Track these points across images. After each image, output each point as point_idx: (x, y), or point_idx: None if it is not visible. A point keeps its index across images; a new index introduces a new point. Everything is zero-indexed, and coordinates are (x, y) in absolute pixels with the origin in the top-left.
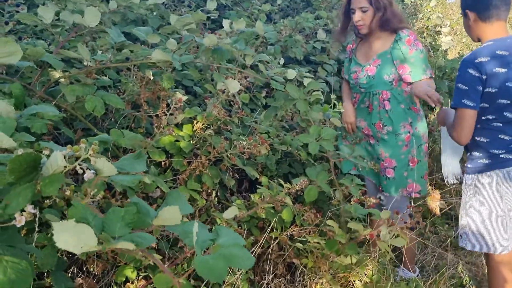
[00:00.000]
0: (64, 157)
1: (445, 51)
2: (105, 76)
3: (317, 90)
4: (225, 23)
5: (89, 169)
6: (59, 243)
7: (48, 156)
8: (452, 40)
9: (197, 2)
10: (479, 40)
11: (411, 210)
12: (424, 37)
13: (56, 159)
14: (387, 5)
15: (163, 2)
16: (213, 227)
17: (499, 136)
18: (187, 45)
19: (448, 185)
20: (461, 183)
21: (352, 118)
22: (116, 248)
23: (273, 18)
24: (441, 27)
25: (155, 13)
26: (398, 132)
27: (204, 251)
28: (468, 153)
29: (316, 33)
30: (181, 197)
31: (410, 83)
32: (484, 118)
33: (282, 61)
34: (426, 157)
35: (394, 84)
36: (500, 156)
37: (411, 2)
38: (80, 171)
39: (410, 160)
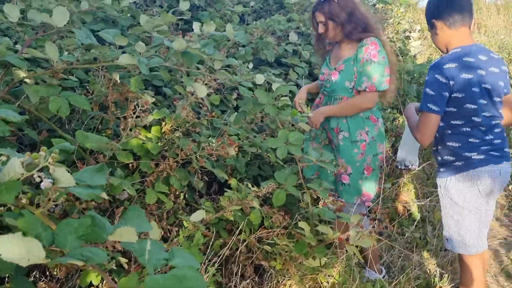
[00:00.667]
0: (22, 164)
1: (414, 55)
2: (73, 76)
3: (286, 96)
4: (195, 26)
5: (47, 178)
6: (4, 254)
7: (5, 162)
8: (421, 44)
9: (170, 2)
10: (447, 50)
11: (379, 214)
12: (394, 42)
13: (13, 166)
14: (345, 19)
15: (134, 1)
16: (170, 248)
17: (469, 140)
18: (156, 47)
19: (398, 169)
20: (409, 170)
21: (302, 95)
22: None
23: (246, 20)
24: (410, 32)
25: (125, 13)
26: (354, 140)
27: (159, 271)
28: (440, 158)
29: (288, 35)
30: (141, 214)
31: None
32: (453, 123)
33: (251, 66)
34: (380, 166)
35: (354, 91)
36: (472, 157)
37: (382, 7)
38: (37, 180)
39: (365, 168)
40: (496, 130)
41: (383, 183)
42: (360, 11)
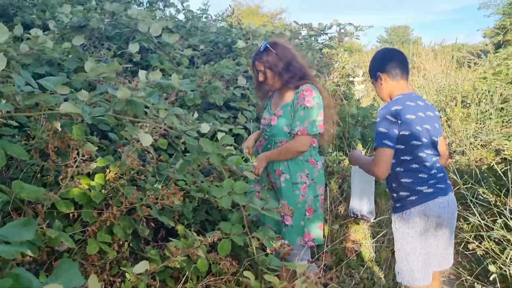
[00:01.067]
0: None
1: (358, 99)
2: (13, 120)
3: (231, 145)
4: (141, 74)
5: None
6: None
7: None
8: (365, 87)
9: (119, 44)
10: (390, 98)
11: (327, 261)
12: (339, 86)
13: None
14: (283, 68)
15: (82, 44)
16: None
17: (419, 175)
18: (100, 95)
19: (350, 217)
20: (364, 219)
21: (250, 143)
22: None
23: (196, 63)
24: (353, 77)
25: (71, 56)
26: (295, 182)
27: None
28: (395, 194)
29: (236, 79)
30: (73, 267)
31: (316, 135)
32: (403, 158)
33: (196, 115)
34: (321, 208)
35: (292, 136)
36: (423, 191)
37: (327, 52)
38: None
39: (306, 209)
40: (437, 165)
41: (331, 225)
42: (297, 61)
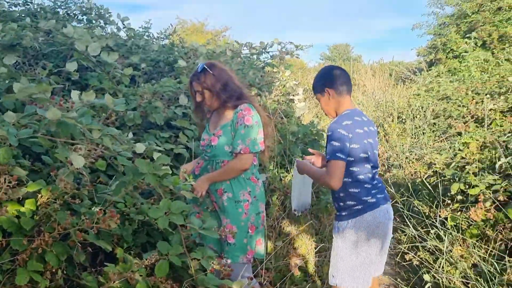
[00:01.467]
0: None
1: (299, 117)
2: None
3: (167, 165)
4: (74, 94)
5: None
6: None
7: None
8: (306, 104)
9: (56, 62)
10: (336, 114)
11: (266, 278)
12: (280, 104)
13: None
14: (221, 89)
15: (16, 62)
16: None
17: (365, 186)
18: (29, 117)
19: (295, 215)
20: (304, 212)
21: (188, 167)
22: None
23: (137, 81)
24: (294, 95)
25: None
26: (238, 200)
27: None
28: (342, 203)
29: (178, 98)
30: None
31: (257, 153)
32: (351, 170)
33: (131, 135)
34: (262, 224)
35: (233, 155)
36: (368, 201)
37: (269, 70)
38: None
39: (249, 227)
40: (377, 176)
41: (275, 241)
42: (234, 82)
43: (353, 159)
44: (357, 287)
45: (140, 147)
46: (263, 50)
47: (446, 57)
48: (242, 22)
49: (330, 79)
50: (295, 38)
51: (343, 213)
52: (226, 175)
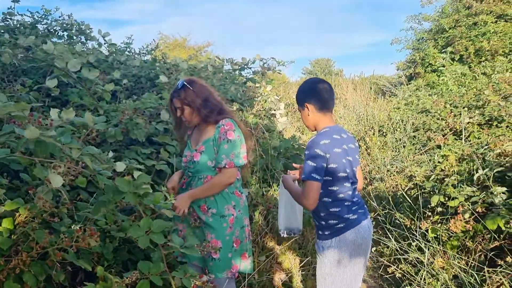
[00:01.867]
0: None
1: (280, 131)
2: None
3: (147, 183)
4: (53, 112)
5: None
6: None
7: None
8: (287, 119)
9: (36, 78)
10: (315, 128)
11: None
12: (262, 118)
13: None
14: (201, 104)
15: None
16: None
17: (345, 204)
18: (7, 135)
19: (282, 237)
20: (293, 237)
21: (173, 183)
22: None
23: (119, 97)
24: (275, 110)
25: None
26: (223, 214)
27: None
28: (324, 222)
29: (159, 113)
30: None
31: (239, 167)
32: (330, 189)
33: (111, 154)
34: (246, 238)
35: (217, 169)
36: (350, 218)
37: (251, 86)
38: None
39: (234, 241)
40: (356, 192)
41: (258, 256)
42: (214, 97)
43: (331, 178)
44: None
45: (120, 166)
46: (245, 66)
47: (425, 71)
48: (224, 36)
49: (310, 94)
50: (276, 52)
51: (326, 232)
52: (210, 190)
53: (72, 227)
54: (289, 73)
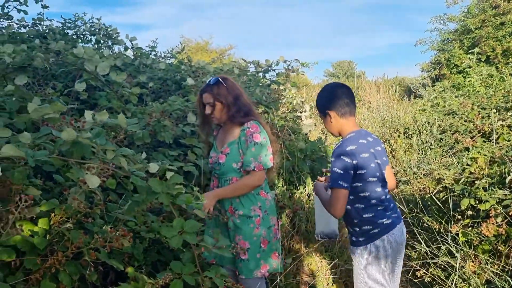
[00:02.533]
0: None
1: (306, 134)
2: None
3: (180, 184)
4: (87, 114)
5: None
6: None
7: None
8: (313, 121)
9: (65, 82)
10: (339, 134)
11: None
12: (287, 121)
13: None
14: (232, 102)
15: (26, 83)
16: None
17: (378, 209)
18: (45, 137)
19: (318, 241)
20: (330, 240)
21: (211, 202)
22: None
23: (145, 100)
24: (301, 112)
25: (13, 96)
26: (249, 215)
27: None
28: (358, 229)
29: (186, 116)
30: None
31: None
32: (362, 195)
33: (144, 155)
34: (275, 238)
35: (242, 171)
36: (384, 223)
37: (275, 88)
38: None
39: (262, 241)
40: (388, 196)
41: (285, 259)
42: (244, 98)
43: (360, 184)
44: None
45: (153, 167)
46: (269, 68)
47: (450, 72)
48: (245, 40)
49: (331, 101)
50: (297, 55)
51: (361, 239)
52: (238, 191)
53: (104, 227)
54: (311, 76)
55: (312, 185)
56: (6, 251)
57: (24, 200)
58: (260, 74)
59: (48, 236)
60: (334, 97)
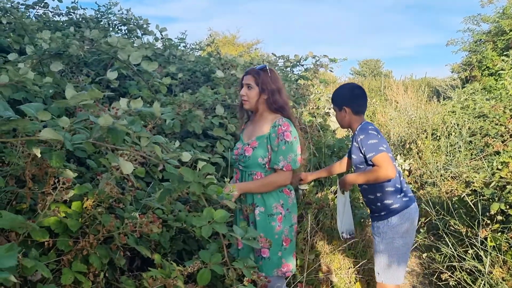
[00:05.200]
0: None
1: (334, 131)
2: None
3: (211, 174)
4: (122, 102)
5: None
6: None
7: None
8: None
9: (97, 70)
10: (349, 127)
11: None
12: (315, 117)
13: None
14: (275, 90)
15: (59, 70)
16: None
17: (396, 185)
18: (81, 123)
19: (342, 239)
20: (353, 238)
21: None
22: None
23: (174, 91)
24: (329, 109)
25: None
26: (271, 213)
27: None
28: (379, 203)
29: (214, 108)
30: None
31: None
32: None
33: (177, 144)
34: (295, 236)
35: (267, 167)
36: (403, 199)
37: (304, 83)
38: None
39: (283, 240)
40: (402, 178)
41: (308, 255)
42: (283, 93)
43: None
44: (398, 280)
45: (186, 156)
46: (298, 63)
47: (482, 74)
48: (271, 35)
49: (350, 99)
50: (324, 52)
51: (382, 213)
52: (262, 188)
53: (132, 214)
54: (337, 73)
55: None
56: (41, 232)
57: (62, 183)
58: (289, 69)
59: (80, 219)
60: (352, 96)
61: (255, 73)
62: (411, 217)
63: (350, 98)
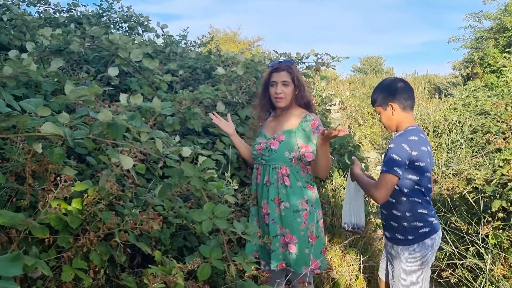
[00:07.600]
0: None
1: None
2: None
3: (212, 169)
4: (122, 97)
5: None
6: None
7: None
8: (341, 115)
9: (98, 67)
10: (396, 129)
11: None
12: (316, 114)
13: None
14: (302, 88)
15: (60, 66)
16: None
17: (429, 207)
18: (81, 119)
19: (344, 231)
20: (356, 232)
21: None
22: None
23: (175, 88)
24: (330, 105)
25: (49, 78)
26: (296, 209)
27: None
28: (407, 224)
29: (215, 105)
30: None
31: (309, 162)
32: (418, 189)
33: (177, 138)
34: (322, 232)
35: (293, 161)
36: (433, 223)
37: (305, 81)
38: None
39: (309, 236)
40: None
41: None
42: (307, 89)
43: (418, 178)
44: None
45: (186, 151)
46: (300, 61)
47: (483, 71)
48: (272, 33)
49: (394, 93)
50: (325, 50)
51: (409, 237)
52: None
53: (133, 211)
54: (338, 70)
55: (345, 174)
56: (41, 229)
57: (63, 180)
58: None
59: (80, 216)
60: (397, 89)
61: (289, 69)
62: (437, 243)
63: (394, 92)
